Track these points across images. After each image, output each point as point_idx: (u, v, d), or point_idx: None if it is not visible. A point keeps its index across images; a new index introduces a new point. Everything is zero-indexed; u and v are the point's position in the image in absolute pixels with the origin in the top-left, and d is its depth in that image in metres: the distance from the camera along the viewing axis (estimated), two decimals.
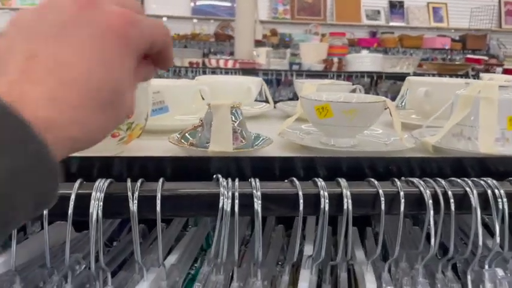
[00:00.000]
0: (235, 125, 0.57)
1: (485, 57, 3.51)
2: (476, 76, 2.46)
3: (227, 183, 0.43)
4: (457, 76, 2.60)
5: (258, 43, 3.80)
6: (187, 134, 0.58)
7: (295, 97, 1.49)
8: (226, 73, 2.63)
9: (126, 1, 0.29)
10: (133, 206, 0.40)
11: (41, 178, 0.23)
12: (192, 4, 4.97)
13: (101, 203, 0.39)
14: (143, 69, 0.31)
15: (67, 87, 0.25)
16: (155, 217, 0.40)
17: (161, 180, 0.43)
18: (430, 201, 0.46)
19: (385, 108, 0.61)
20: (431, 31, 5.06)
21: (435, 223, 0.48)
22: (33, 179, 0.22)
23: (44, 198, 0.24)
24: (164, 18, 4.87)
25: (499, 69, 2.71)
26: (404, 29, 5.03)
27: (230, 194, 0.42)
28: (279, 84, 3.06)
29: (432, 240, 0.47)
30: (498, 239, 0.48)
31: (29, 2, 4.98)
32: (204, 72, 2.61)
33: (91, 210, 0.39)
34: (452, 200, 0.47)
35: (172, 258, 0.51)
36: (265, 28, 4.65)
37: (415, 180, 0.48)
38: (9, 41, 0.26)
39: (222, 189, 0.42)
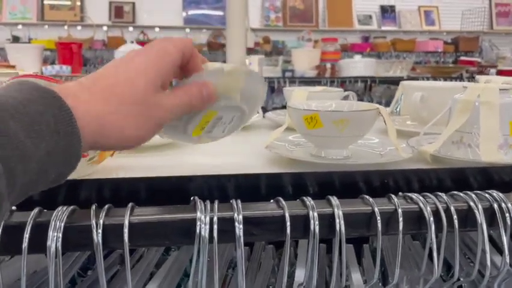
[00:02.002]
0: None
1: (479, 59, 3.49)
2: (472, 78, 2.43)
3: (205, 206, 0.39)
4: (451, 79, 2.57)
5: (251, 51, 3.77)
6: None
7: None
8: None
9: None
10: (97, 237, 0.35)
11: (65, 160, 0.31)
12: (184, 14, 4.94)
13: (61, 234, 0.35)
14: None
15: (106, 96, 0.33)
16: (123, 248, 0.36)
17: (130, 205, 0.38)
18: (431, 218, 0.42)
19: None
20: (423, 34, 5.06)
21: (438, 242, 0.43)
22: (61, 160, 0.30)
23: (60, 176, 0.32)
24: (157, 29, 4.83)
25: (493, 70, 2.68)
26: (397, 33, 5.02)
27: (208, 218, 0.38)
28: (273, 91, 3.03)
29: (435, 263, 0.42)
30: (508, 258, 0.44)
31: (19, 17, 4.94)
32: None
33: (48, 243, 0.34)
34: (455, 217, 0.43)
35: None
36: (257, 36, 4.62)
37: (414, 195, 0.44)
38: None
39: (198, 213, 0.38)
